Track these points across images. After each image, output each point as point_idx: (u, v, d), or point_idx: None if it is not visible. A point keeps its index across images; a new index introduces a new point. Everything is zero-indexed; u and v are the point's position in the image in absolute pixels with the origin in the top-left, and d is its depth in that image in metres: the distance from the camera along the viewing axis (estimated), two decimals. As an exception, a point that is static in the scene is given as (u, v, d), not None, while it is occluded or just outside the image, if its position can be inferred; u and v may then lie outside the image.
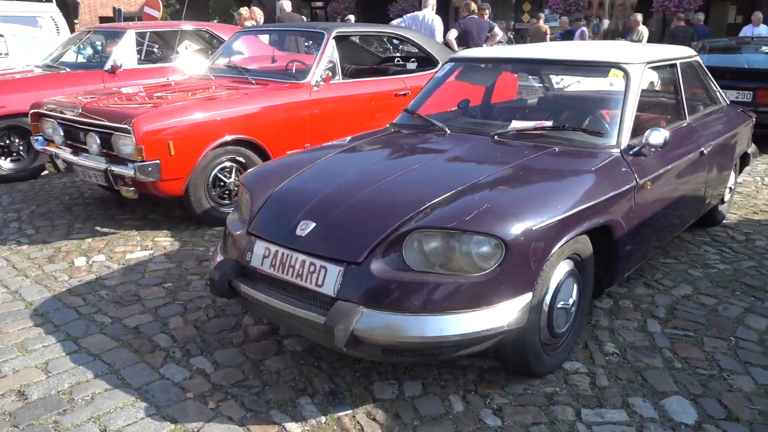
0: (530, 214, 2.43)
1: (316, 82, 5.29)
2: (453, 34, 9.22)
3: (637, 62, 3.40)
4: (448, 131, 3.49)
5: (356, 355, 2.52)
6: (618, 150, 3.10)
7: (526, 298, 2.44)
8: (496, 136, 3.31)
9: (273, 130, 5.02)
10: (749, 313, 3.37)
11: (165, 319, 3.35)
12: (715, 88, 4.47)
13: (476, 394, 2.65)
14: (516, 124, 3.39)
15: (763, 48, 9.29)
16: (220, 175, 4.78)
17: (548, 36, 14.15)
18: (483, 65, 4.07)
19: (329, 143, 3.61)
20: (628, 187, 2.94)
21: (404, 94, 6.02)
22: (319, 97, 5.31)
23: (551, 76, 4.15)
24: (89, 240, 4.59)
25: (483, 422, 2.47)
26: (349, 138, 3.72)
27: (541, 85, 4.41)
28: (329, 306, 2.43)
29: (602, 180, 2.84)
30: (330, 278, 2.43)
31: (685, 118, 3.85)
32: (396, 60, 7.58)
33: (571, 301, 2.73)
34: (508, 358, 2.61)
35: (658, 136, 3.10)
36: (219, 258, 2.97)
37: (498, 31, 9.63)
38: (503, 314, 2.36)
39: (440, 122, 3.59)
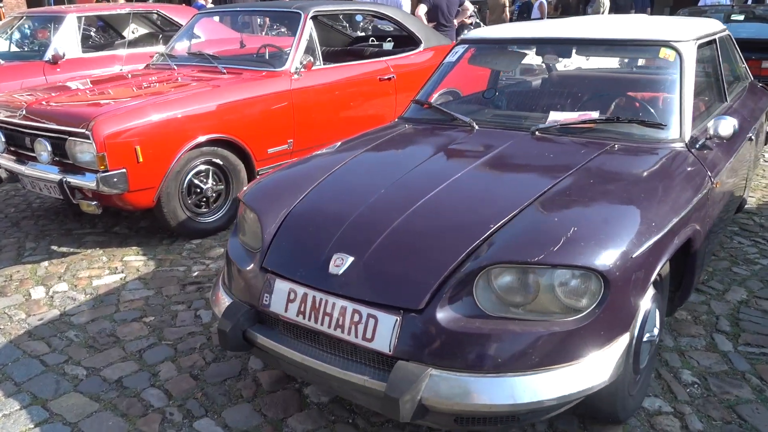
0: (627, 238, 1.97)
1: (296, 69, 4.69)
2: (422, 9, 8.65)
3: (689, 39, 2.96)
4: (476, 126, 2.99)
5: (420, 424, 2.02)
6: (683, 144, 2.67)
7: (624, 341, 1.98)
8: (536, 132, 2.83)
9: (252, 126, 4.42)
10: (818, 319, 3.03)
11: (153, 367, 2.77)
12: (743, 64, 4.11)
13: (555, 452, 2.20)
14: (556, 116, 2.92)
15: (733, 17, 9.07)
16: (195, 180, 4.16)
17: (507, 8, 13.74)
18: (501, 46, 3.56)
19: (334, 146, 3.06)
20: (706, 189, 2.51)
21: (389, 79, 5.48)
22: (301, 86, 4.72)
23: (577, 57, 3.67)
24: (46, 264, 3.92)
25: (576, 493, 2.02)
26: (355, 138, 3.18)
27: (555, 64, 3.92)
28: (383, 364, 1.93)
29: (683, 184, 2.40)
30: (383, 330, 1.91)
31: (726, 100, 3.45)
32: (370, 40, 7.00)
33: (656, 332, 2.30)
34: (595, 409, 2.16)
35: (726, 125, 2.68)
36: (224, 300, 2.42)
37: (469, 5, 9.13)
38: (603, 366, 1.90)
39: (463, 115, 3.08)
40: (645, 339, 2.21)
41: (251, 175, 4.49)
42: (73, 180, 3.80)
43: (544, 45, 3.44)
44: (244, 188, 2.71)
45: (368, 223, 2.20)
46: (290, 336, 2.16)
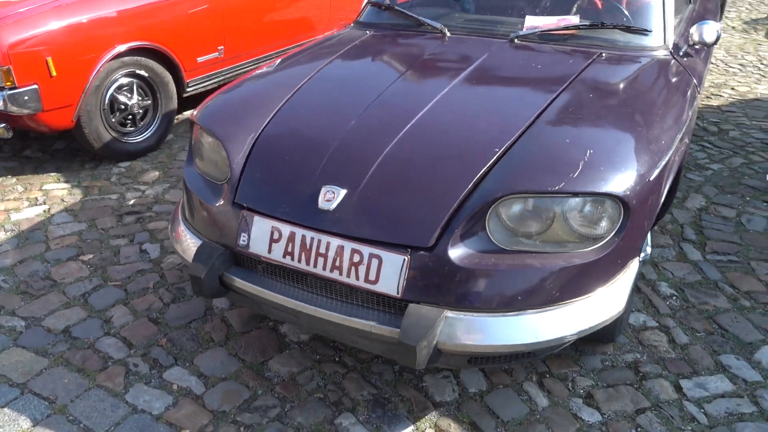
0: (642, 160, 1.84)
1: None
2: None
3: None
4: (448, 33, 2.73)
5: (432, 367, 1.89)
6: (667, 51, 2.54)
7: (635, 266, 1.91)
8: (515, 39, 2.61)
9: (178, 31, 3.91)
10: (773, 223, 3.12)
11: (104, 313, 2.48)
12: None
13: (552, 377, 2.16)
14: (533, 21, 2.69)
15: None
16: (118, 95, 3.67)
17: None
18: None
19: (288, 58, 2.71)
20: (696, 99, 2.42)
21: (323, -24, 5.00)
22: (229, -17, 4.20)
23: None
24: (-51, 197, 3.41)
25: (581, 419, 2.00)
26: (309, 49, 2.84)
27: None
28: (389, 307, 1.76)
29: (679, 96, 2.29)
30: (388, 271, 1.73)
31: (691, 1, 3.35)
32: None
33: (648, 250, 2.26)
34: (595, 333, 2.11)
35: (710, 31, 2.57)
36: (186, 238, 2.14)
37: None
38: (619, 295, 1.82)
39: (431, 20, 2.80)
40: (640, 258, 2.16)
41: (180, 88, 4.04)
42: (-27, 99, 3.24)
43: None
44: (197, 109, 2.35)
45: (355, 150, 1.95)
46: (274, 278, 1.93)
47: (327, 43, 2.89)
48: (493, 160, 1.84)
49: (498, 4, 2.97)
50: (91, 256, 2.85)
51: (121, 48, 3.55)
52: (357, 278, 1.76)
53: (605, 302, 1.78)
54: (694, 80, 2.50)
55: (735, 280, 2.66)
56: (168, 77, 3.91)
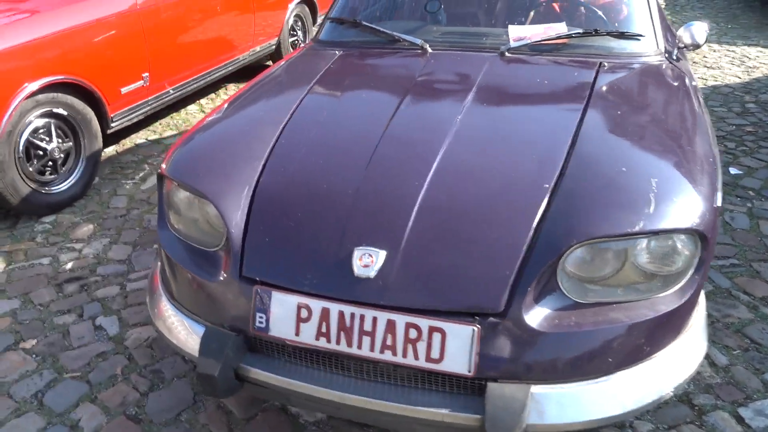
0: (703, 182, 1.66)
1: (148, -19, 3.70)
2: None
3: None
4: (429, 49, 2.48)
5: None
6: (662, 56, 2.42)
7: (703, 298, 1.74)
8: (507, 53, 2.39)
9: (99, 59, 3.42)
10: (756, 218, 3.10)
11: (67, 416, 2.04)
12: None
13: (608, 427, 1.96)
14: (518, 32, 2.49)
15: None
16: (34, 140, 3.14)
17: None
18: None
19: (249, 90, 2.36)
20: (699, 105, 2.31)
21: (246, -13, 4.62)
22: (150, 3, 3.74)
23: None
24: None
25: (656, 472, 1.81)
26: (273, 74, 2.51)
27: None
28: (460, 388, 1.49)
29: (695, 101, 2.15)
30: (455, 346, 1.45)
31: None
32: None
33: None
34: None
35: (700, 32, 2.48)
36: (173, 318, 1.77)
37: None
38: (701, 331, 1.65)
39: (406, 35, 2.54)
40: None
41: (104, 125, 3.55)
42: None
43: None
44: (165, 160, 1.96)
45: (382, 200, 1.65)
46: (304, 363, 1.61)
47: (293, 68, 2.56)
48: (546, 199, 1.60)
49: (473, 15, 2.75)
50: (34, 342, 2.37)
51: (34, 86, 3.03)
52: (416, 358, 1.47)
53: (693, 344, 1.60)
54: (695, 82, 2.39)
55: (746, 286, 2.59)
56: (90, 114, 3.41)
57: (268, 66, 5.55)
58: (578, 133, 1.83)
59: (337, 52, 2.59)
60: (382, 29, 2.59)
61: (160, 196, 1.96)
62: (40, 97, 3.10)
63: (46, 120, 3.19)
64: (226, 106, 2.24)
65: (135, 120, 3.82)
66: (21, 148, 3.08)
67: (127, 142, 4.14)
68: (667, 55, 2.44)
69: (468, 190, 1.67)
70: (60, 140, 3.28)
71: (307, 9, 5.71)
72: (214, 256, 1.74)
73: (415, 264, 1.53)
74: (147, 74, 3.77)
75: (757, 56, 6.01)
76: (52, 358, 2.28)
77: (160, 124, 4.45)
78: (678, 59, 2.50)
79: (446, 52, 2.46)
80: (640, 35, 2.44)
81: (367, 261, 1.53)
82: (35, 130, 3.14)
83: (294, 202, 1.72)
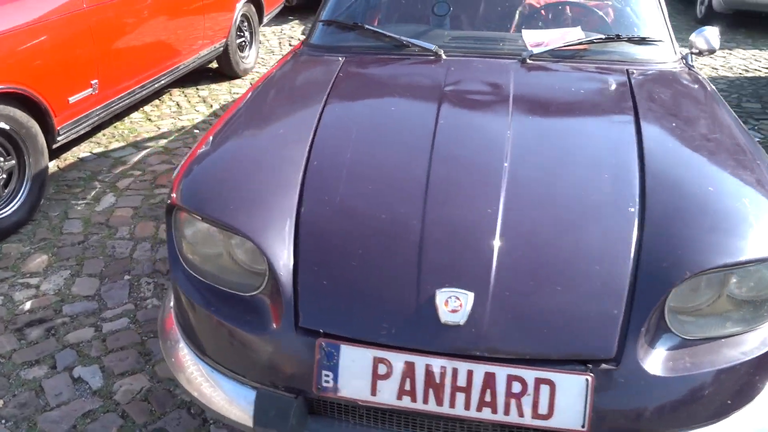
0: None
1: (84, -24, 3.29)
2: None
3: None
4: (444, 55, 2.29)
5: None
6: (681, 62, 2.35)
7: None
8: (528, 59, 2.24)
9: (45, 65, 3.01)
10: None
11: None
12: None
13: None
14: (534, 37, 2.35)
15: None
16: (-30, 159, 2.72)
17: None
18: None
19: (256, 101, 2.09)
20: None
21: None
22: (97, 2, 3.34)
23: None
24: None
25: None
26: (272, 83, 2.25)
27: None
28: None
29: (730, 111, 2.08)
30: (567, 400, 1.27)
31: None
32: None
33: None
34: None
35: (713, 36, 2.43)
36: (211, 379, 1.49)
37: None
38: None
39: (417, 40, 2.34)
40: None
41: (50, 138, 3.13)
42: None
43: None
44: (176, 186, 1.66)
45: (456, 232, 1.45)
46: (380, 426, 1.38)
47: (294, 76, 2.31)
48: (636, 224, 1.46)
49: (480, 19, 2.58)
50: (0, 404, 1.99)
51: (-27, 96, 2.61)
52: (521, 415, 1.28)
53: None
54: (713, 87, 2.34)
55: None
56: (35, 127, 2.98)
57: (215, 68, 5.21)
58: (642, 148, 1.70)
59: (339, 58, 2.35)
60: (388, 33, 2.37)
61: (170, 231, 1.67)
62: (-22, 109, 2.67)
63: (-15, 136, 2.76)
64: (229, 121, 1.97)
65: (82, 132, 3.41)
66: (-44, 169, 2.64)
67: (70, 157, 3.70)
68: (684, 60, 2.38)
69: (548, 216, 1.50)
70: (1, 159, 2.85)
71: (253, 8, 5.38)
72: (254, 302, 1.48)
73: (509, 306, 1.34)
74: (96, 81, 3.36)
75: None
76: (28, 422, 1.92)
77: (104, 135, 4.02)
78: (691, 65, 2.44)
79: (463, 59, 2.28)
80: (659, 40, 2.35)
81: (455, 305, 1.33)
82: (-28, 148, 2.71)
83: (349, 236, 1.48)
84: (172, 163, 3.66)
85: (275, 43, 6.52)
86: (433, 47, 2.30)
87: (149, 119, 4.36)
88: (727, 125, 1.93)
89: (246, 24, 5.35)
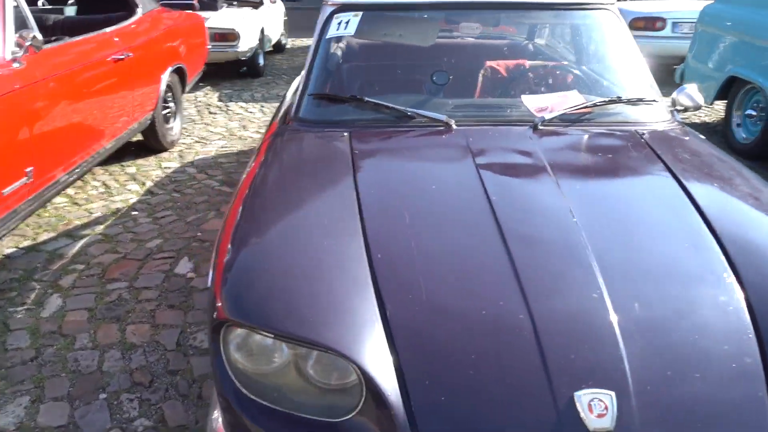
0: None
1: (14, 54, 2.93)
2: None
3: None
4: (455, 125, 2.20)
5: None
6: (673, 120, 2.41)
7: None
8: (540, 125, 2.20)
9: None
10: None
11: None
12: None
13: None
14: (535, 102, 2.33)
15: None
16: None
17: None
18: (390, 12, 2.71)
19: (264, 189, 1.90)
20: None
21: (123, 59, 3.97)
22: (30, 80, 2.99)
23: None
24: None
25: None
26: (278, 165, 2.06)
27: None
28: None
29: (740, 164, 2.13)
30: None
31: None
32: (41, 3, 5.00)
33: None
34: None
35: (696, 92, 2.53)
36: None
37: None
38: None
39: (421, 110, 2.25)
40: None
41: (-20, 238, 2.70)
42: None
43: (457, 10, 2.73)
44: (222, 301, 1.41)
45: (570, 324, 1.32)
46: None
47: (299, 155, 2.14)
48: (737, 291, 1.41)
49: (467, 83, 2.53)
50: None
51: None
52: None
53: None
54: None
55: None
56: (-36, 227, 2.56)
57: (138, 142, 4.81)
58: (701, 210, 1.68)
59: (344, 133, 2.19)
60: (393, 105, 2.25)
61: (217, 350, 1.41)
62: None
63: None
64: (250, 212, 1.75)
65: (14, 226, 2.98)
66: None
67: (-6, 255, 3.23)
68: (675, 118, 2.44)
69: (651, 293, 1.42)
70: (-72, 268, 2.40)
71: (177, 78, 5.09)
72: (349, 428, 1.26)
73: (654, 401, 1.22)
74: (32, 168, 2.96)
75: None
76: None
77: (28, 225, 3.55)
78: (682, 122, 2.52)
79: (475, 128, 2.20)
80: (654, 100, 2.41)
81: (600, 409, 1.19)
82: None
83: (454, 340, 1.31)
84: (118, 251, 3.28)
85: (194, 111, 6.22)
86: (443, 117, 2.20)
87: (76, 203, 3.92)
88: (746, 176, 1.97)
89: (169, 94, 5.05)
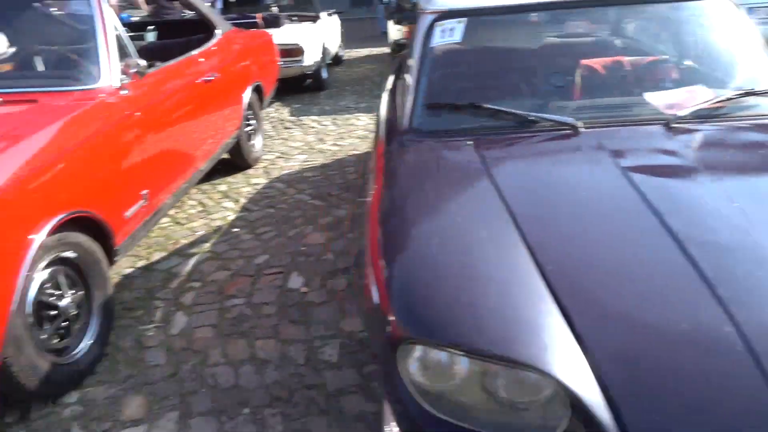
0: None
1: (122, 81, 3.05)
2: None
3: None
4: (582, 128, 2.18)
5: None
6: None
7: None
8: (673, 123, 2.16)
9: (104, 183, 2.73)
10: None
11: None
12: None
13: None
14: (663, 99, 2.29)
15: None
16: (42, 298, 2.36)
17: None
18: (492, 16, 2.70)
19: (396, 200, 1.92)
20: None
21: (212, 79, 4.09)
22: (137, 106, 3.10)
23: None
24: None
25: None
26: (407, 178, 2.08)
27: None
28: None
29: None
30: None
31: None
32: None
33: None
34: None
35: None
36: None
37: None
38: None
39: (548, 115, 2.23)
40: None
41: (109, 260, 2.80)
42: None
43: (563, 9, 2.70)
44: (397, 316, 1.43)
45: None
46: None
47: (430, 165, 2.14)
48: None
49: (586, 83, 2.50)
50: None
51: (46, 229, 2.29)
52: None
53: None
54: None
55: None
56: (98, 251, 2.67)
57: (224, 161, 4.92)
58: None
59: (467, 141, 2.20)
60: (517, 111, 2.25)
61: (393, 368, 1.41)
62: (48, 240, 2.34)
63: (52, 269, 2.42)
64: (395, 226, 1.76)
65: (133, 248, 3.09)
66: (30, 312, 2.29)
67: (114, 276, 3.35)
68: None
69: None
70: (72, 291, 2.51)
71: (255, 95, 5.21)
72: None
73: None
74: (147, 191, 3.08)
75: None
76: None
77: (140, 246, 3.68)
78: None
79: (605, 130, 2.17)
80: (774, 87, 2.33)
81: None
82: (41, 286, 2.36)
83: (657, 355, 1.29)
84: (230, 268, 3.37)
85: (269, 127, 6.35)
86: (570, 120, 2.18)
87: (178, 222, 4.05)
88: None
89: (250, 112, 5.17)
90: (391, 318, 1.43)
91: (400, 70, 3.98)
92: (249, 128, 5.09)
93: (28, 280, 2.24)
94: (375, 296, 1.56)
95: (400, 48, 7.59)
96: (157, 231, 3.90)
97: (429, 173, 2.11)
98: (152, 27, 5.19)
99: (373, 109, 6.88)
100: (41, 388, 2.30)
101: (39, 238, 2.24)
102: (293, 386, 2.42)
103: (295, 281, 3.20)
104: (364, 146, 5.52)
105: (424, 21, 2.60)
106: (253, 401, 2.35)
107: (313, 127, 6.30)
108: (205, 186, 4.69)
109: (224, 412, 2.31)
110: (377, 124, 3.10)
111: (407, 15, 7.14)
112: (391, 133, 2.52)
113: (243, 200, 4.40)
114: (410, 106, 2.43)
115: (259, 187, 4.66)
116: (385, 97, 3.52)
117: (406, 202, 1.93)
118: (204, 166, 4.03)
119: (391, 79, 3.90)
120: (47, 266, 2.37)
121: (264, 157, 5.35)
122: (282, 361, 2.57)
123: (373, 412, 2.23)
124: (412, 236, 1.71)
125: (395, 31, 7.90)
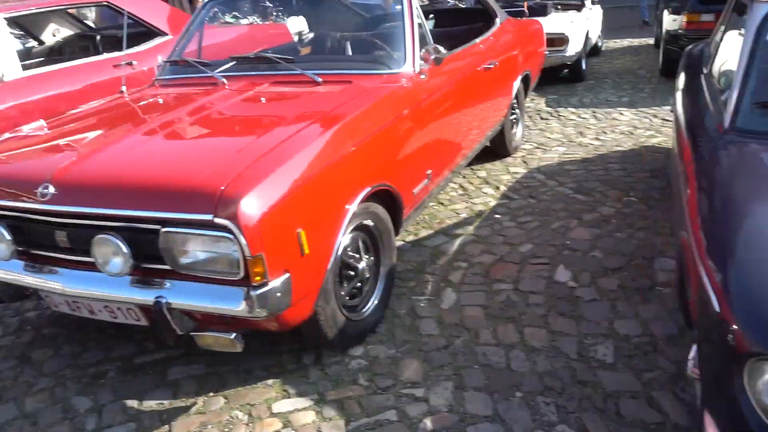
0: None
1: (420, 66, 3.24)
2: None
3: None
4: None
5: None
6: None
7: None
8: None
9: (398, 161, 2.97)
10: None
11: None
12: None
13: None
14: None
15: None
16: (345, 259, 2.64)
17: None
18: None
19: (713, 202, 1.77)
20: None
21: (491, 67, 4.16)
22: (431, 91, 3.30)
23: None
24: (144, 447, 2.28)
25: None
26: (721, 175, 1.91)
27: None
28: None
29: None
30: None
31: None
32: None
33: None
34: None
35: None
36: None
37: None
38: None
39: None
40: None
41: (396, 232, 3.04)
42: (190, 303, 2.18)
43: None
44: (752, 335, 1.33)
45: None
46: None
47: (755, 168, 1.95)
48: None
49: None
50: None
51: (360, 196, 2.56)
52: None
53: None
54: None
55: None
56: (389, 222, 2.91)
57: (486, 146, 5.03)
58: None
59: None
60: None
61: (740, 386, 1.32)
62: (357, 209, 2.60)
63: (353, 235, 2.69)
64: (739, 235, 1.63)
65: (410, 223, 3.32)
66: (337, 270, 2.58)
67: (387, 246, 3.63)
68: None
69: None
70: (366, 256, 2.78)
71: (522, 85, 5.21)
72: None
73: None
74: (431, 171, 3.28)
75: None
76: None
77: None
78: None
79: None
80: None
81: None
82: (345, 249, 2.64)
83: None
84: (494, 253, 3.45)
85: (525, 117, 6.31)
86: None
87: (441, 203, 4.25)
88: None
89: (515, 101, 5.19)
90: (735, 327, 1.35)
91: (691, 67, 3.70)
92: (512, 117, 5.13)
93: (339, 243, 2.53)
94: (713, 301, 1.48)
95: (675, 40, 6.99)
96: (424, 210, 4.13)
97: (760, 176, 1.93)
98: (432, 15, 5.45)
99: (636, 104, 6.48)
100: (336, 338, 2.59)
101: (352, 207, 2.51)
102: (566, 379, 2.41)
103: (562, 275, 3.17)
104: (629, 143, 5.24)
105: (758, 10, 2.36)
106: (525, 386, 2.39)
107: (571, 120, 6.14)
108: (465, 170, 4.83)
109: (497, 391, 2.38)
110: (676, 123, 2.92)
111: (693, 3, 6.55)
112: (702, 133, 2.36)
113: (503, 188, 4.46)
114: (733, 103, 2.24)
115: (518, 176, 4.68)
116: (679, 96, 3.31)
117: (733, 204, 1.80)
118: (472, 151, 4.15)
119: (682, 76, 3.64)
120: (351, 231, 2.65)
121: (522, 147, 5.35)
122: (553, 351, 2.58)
123: (656, 422, 2.13)
124: (752, 242, 1.58)
125: (670, 21, 7.26)
